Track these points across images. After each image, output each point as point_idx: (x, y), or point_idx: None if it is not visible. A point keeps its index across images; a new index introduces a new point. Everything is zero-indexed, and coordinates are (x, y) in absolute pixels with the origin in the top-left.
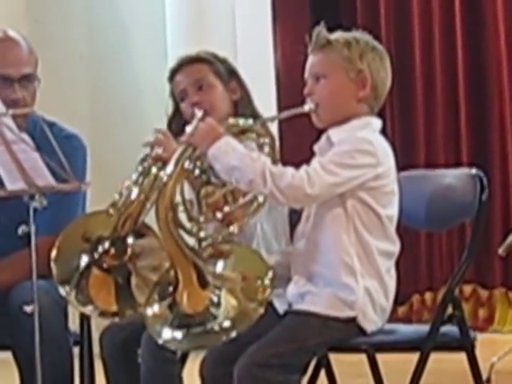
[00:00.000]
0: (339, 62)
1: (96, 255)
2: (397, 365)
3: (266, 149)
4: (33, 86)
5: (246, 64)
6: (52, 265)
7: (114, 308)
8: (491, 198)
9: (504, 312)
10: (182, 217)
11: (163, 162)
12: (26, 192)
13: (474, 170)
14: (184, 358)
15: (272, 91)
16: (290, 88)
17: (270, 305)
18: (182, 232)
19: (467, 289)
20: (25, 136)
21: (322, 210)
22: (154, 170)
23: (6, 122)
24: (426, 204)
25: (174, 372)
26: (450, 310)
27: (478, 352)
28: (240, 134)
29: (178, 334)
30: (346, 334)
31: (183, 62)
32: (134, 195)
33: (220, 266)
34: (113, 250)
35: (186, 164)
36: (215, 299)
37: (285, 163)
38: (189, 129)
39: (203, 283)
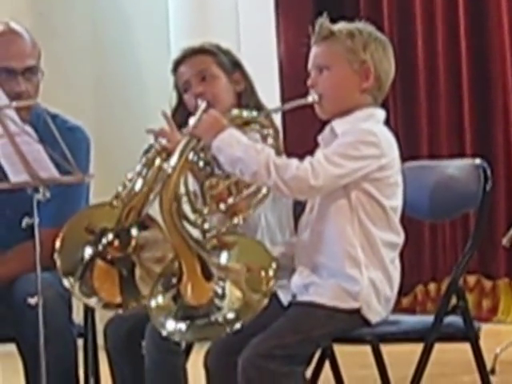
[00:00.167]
0: (342, 53)
1: (100, 247)
2: (401, 355)
3: (270, 140)
4: (36, 78)
5: (250, 55)
6: (56, 257)
7: (118, 300)
8: (495, 189)
9: (508, 302)
10: (186, 208)
11: (167, 153)
12: (30, 184)
13: (477, 161)
14: (188, 349)
15: (275, 82)
16: (293, 79)
17: (274, 296)
18: (186, 224)
19: (471, 279)
20: (28, 128)
21: (326, 202)
22: (157, 161)
23: (9, 115)
24: (430, 195)
25: (178, 363)
26: (454, 300)
27: (482, 342)
28: (244, 125)
29: (182, 326)
30: (350, 325)
31: (187, 53)
32: (137, 187)
33: (224, 258)
34: (117, 242)
35: (190, 156)
36: (219, 291)
37: (288, 154)
38: (192, 120)
39: (207, 275)
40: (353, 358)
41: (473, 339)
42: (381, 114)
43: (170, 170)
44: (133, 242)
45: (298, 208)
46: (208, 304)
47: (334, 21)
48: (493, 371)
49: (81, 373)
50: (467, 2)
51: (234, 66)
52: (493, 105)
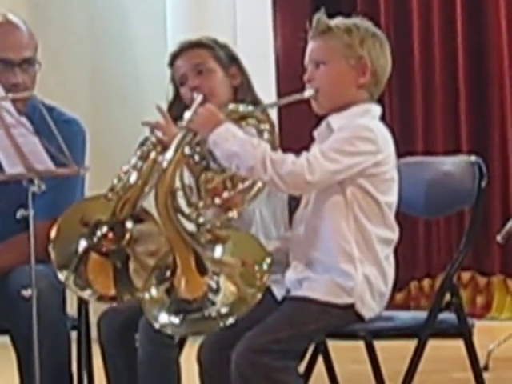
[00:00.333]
0: (339, 49)
1: (94, 239)
2: (394, 351)
3: (266, 135)
4: (33, 69)
5: (246, 50)
6: (50, 249)
7: (112, 292)
8: (490, 186)
9: (502, 299)
10: (181, 202)
11: (163, 146)
12: (25, 176)
13: (473, 158)
14: (182, 343)
15: (272, 77)
16: (289, 74)
17: (268, 290)
18: (180, 217)
19: (465, 276)
20: (24, 120)
21: (321, 197)
22: (152, 154)
23: (5, 106)
24: (425, 191)
25: (171, 357)
26: (447, 297)
27: (475, 339)
28: (240, 119)
29: (176, 319)
30: (343, 321)
31: (183, 46)
32: (132, 179)
33: (219, 252)
34: (111, 235)
35: (186, 150)
36: (213, 285)
37: (284, 149)
38: (188, 113)
39: (202, 269)
40: (346, 353)
41: (466, 336)
42: (377, 109)
43: (165, 164)
44: (127, 235)
45: (293, 203)
46: (202, 298)
47: (330, 16)
48: (486, 368)
49: (74, 365)
50: None
51: (230, 61)
52: (489, 102)
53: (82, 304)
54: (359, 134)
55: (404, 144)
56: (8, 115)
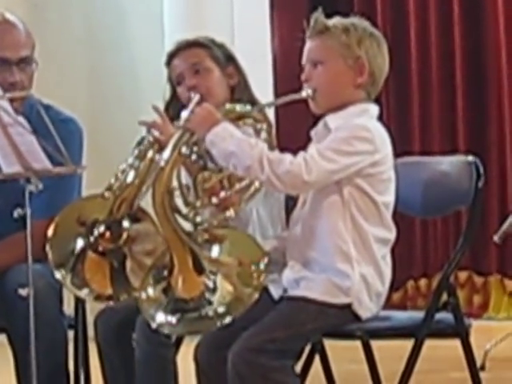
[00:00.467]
0: (337, 48)
1: (91, 239)
2: (391, 351)
3: (263, 134)
4: (30, 68)
5: (244, 50)
6: (47, 248)
7: (109, 291)
8: (488, 186)
9: (499, 299)
10: (179, 202)
11: (160, 146)
12: (22, 175)
13: (470, 158)
14: (178, 342)
15: (269, 77)
16: (287, 74)
17: (265, 290)
18: (177, 217)
19: (462, 275)
20: (21, 119)
21: (318, 197)
22: (150, 153)
23: (2, 105)
24: (422, 191)
25: (168, 356)
26: (444, 296)
27: (472, 339)
28: (237, 119)
29: (173, 319)
30: (340, 320)
31: (180, 46)
32: (129, 179)
33: (216, 251)
34: (108, 234)
35: (183, 149)
36: (210, 284)
37: (281, 149)
38: (185, 113)
39: (199, 268)
40: (343, 352)
41: (463, 335)
42: (374, 109)
43: (162, 163)
44: (124, 234)
45: (290, 202)
46: (199, 297)
47: (328, 16)
48: (483, 368)
49: (71, 364)
50: None
51: (227, 60)
52: (486, 101)
53: (79, 303)
54: (356, 134)
55: (401, 144)
56: (5, 114)
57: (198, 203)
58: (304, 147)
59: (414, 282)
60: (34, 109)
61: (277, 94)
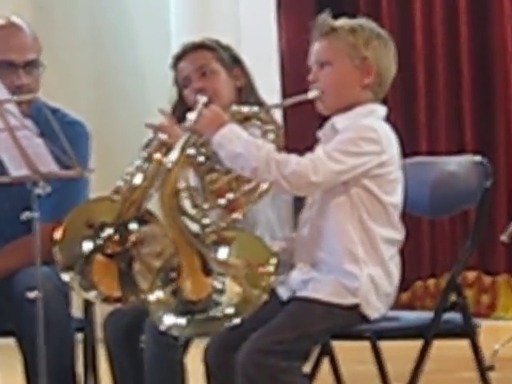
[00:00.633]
0: (344, 49)
1: (99, 241)
2: (400, 352)
3: (271, 136)
4: (37, 71)
5: (251, 51)
6: (55, 251)
7: (118, 294)
8: (495, 185)
9: (507, 298)
10: (186, 203)
11: (167, 148)
12: (30, 178)
13: (477, 158)
14: (187, 344)
15: (276, 78)
16: (294, 75)
17: (273, 291)
18: (185, 219)
19: (470, 275)
20: (28, 122)
21: (326, 198)
22: (157, 155)
23: (9, 108)
24: (430, 191)
25: (177, 358)
26: (453, 296)
27: (480, 339)
28: (244, 120)
29: (181, 321)
30: (349, 321)
31: (187, 48)
32: (137, 181)
33: (224, 253)
34: (116, 237)
35: (191, 151)
36: (219, 286)
37: (289, 150)
38: (192, 115)
39: (207, 270)
40: (351, 353)
41: (472, 336)
42: (381, 110)
43: (170, 165)
44: (132, 237)
45: (298, 204)
46: (207, 299)
47: (334, 17)
48: (491, 368)
49: (80, 366)
50: None
51: (233, 62)
52: (494, 101)
53: (88, 306)
54: (363, 135)
55: (408, 144)
56: (12, 117)
57: (206, 205)
58: (311, 148)
59: (423, 282)
60: (42, 112)
61: (284, 96)
